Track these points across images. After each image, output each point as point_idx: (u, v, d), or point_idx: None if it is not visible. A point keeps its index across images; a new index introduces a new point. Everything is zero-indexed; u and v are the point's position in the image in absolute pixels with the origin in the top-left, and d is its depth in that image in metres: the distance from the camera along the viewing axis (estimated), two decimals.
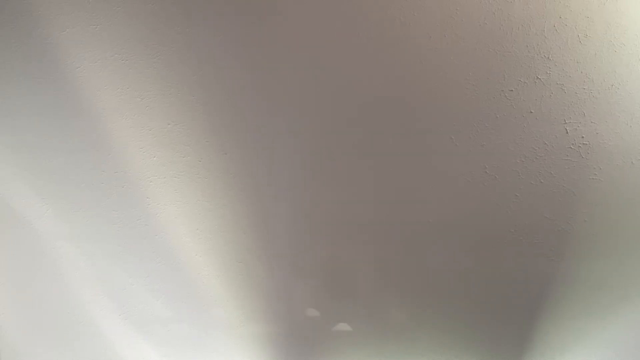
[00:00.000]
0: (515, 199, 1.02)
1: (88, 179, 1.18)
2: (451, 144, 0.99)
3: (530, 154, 0.98)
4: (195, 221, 1.19)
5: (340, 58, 0.96)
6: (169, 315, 1.34)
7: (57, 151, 1.16)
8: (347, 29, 0.94)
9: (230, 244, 1.20)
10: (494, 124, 0.96)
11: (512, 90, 0.93)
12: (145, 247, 1.24)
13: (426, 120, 0.99)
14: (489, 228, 1.06)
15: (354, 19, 0.93)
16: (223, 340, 1.36)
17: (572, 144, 0.96)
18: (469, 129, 0.98)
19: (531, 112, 0.94)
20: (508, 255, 1.09)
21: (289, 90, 1.01)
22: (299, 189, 1.10)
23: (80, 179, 1.19)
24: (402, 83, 0.96)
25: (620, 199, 1.00)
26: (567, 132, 0.95)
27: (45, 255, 1.31)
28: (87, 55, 1.05)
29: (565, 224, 1.03)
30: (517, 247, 1.07)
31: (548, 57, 0.90)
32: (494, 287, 1.13)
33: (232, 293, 1.28)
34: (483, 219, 1.05)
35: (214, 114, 1.06)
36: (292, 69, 0.99)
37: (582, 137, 0.95)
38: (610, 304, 1.12)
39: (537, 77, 0.92)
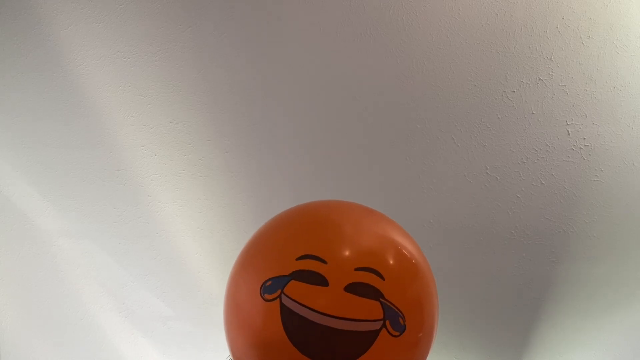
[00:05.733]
0: (516, 200, 1.02)
1: (89, 176, 1.18)
2: (452, 145, 0.99)
3: (531, 155, 0.98)
4: (196, 220, 1.19)
5: (343, 58, 0.96)
6: (169, 314, 1.34)
7: (59, 148, 1.16)
8: (350, 29, 0.94)
9: (231, 242, 1.20)
10: (495, 125, 0.96)
11: (514, 91, 0.93)
12: (146, 245, 1.24)
13: (427, 121, 0.99)
14: (490, 229, 1.06)
15: (357, 20, 0.93)
16: (223, 338, 1.36)
17: (574, 145, 0.96)
18: (470, 130, 0.98)
19: (533, 113, 0.94)
20: (508, 256, 1.09)
21: (291, 89, 1.01)
22: (300, 188, 1.11)
23: (81, 176, 1.19)
24: (404, 83, 0.96)
25: (621, 201, 1.00)
26: (568, 134, 0.95)
27: (46, 252, 1.31)
28: (89, 52, 1.05)
29: (566, 226, 1.03)
30: (518, 248, 1.07)
31: (550, 59, 0.90)
32: (494, 287, 1.13)
33: None
34: (484, 219, 1.05)
35: (216, 112, 1.06)
36: (294, 68, 0.99)
37: (584, 138, 0.95)
38: (610, 305, 1.12)
39: (539, 79, 0.92)
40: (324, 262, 0.42)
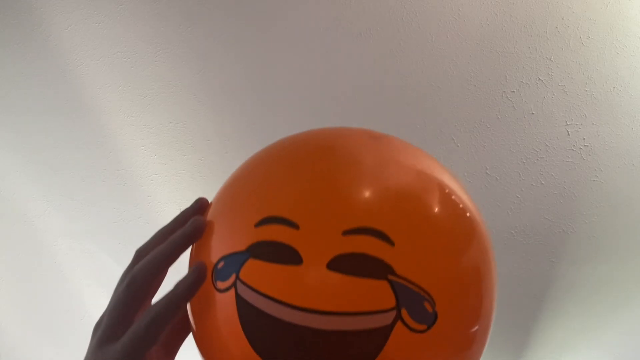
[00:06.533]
0: (516, 200, 1.02)
1: (89, 176, 1.18)
2: (452, 145, 1.00)
3: (531, 155, 0.98)
4: None
5: (342, 58, 0.96)
6: None
7: (58, 149, 1.16)
8: (350, 29, 0.94)
9: None
10: (495, 125, 0.96)
11: (513, 92, 0.93)
12: None
13: (427, 121, 0.99)
14: (490, 229, 1.06)
15: (356, 19, 0.93)
16: None
17: (574, 145, 0.96)
18: (470, 130, 0.98)
19: (533, 113, 0.94)
20: (508, 256, 1.09)
21: (290, 89, 1.01)
22: None
23: (81, 176, 1.19)
24: (404, 83, 0.96)
25: (621, 201, 1.00)
26: (568, 134, 0.95)
27: (46, 252, 1.31)
28: (89, 53, 1.05)
29: (566, 226, 1.03)
30: (518, 248, 1.07)
31: (550, 59, 0.90)
32: None
33: None
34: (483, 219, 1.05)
35: (216, 112, 1.06)
36: (294, 68, 0.99)
37: (584, 138, 0.95)
38: (610, 305, 1.12)
39: (539, 79, 0.92)
40: (293, 226, 0.27)
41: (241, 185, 0.34)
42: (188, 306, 0.35)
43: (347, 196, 0.28)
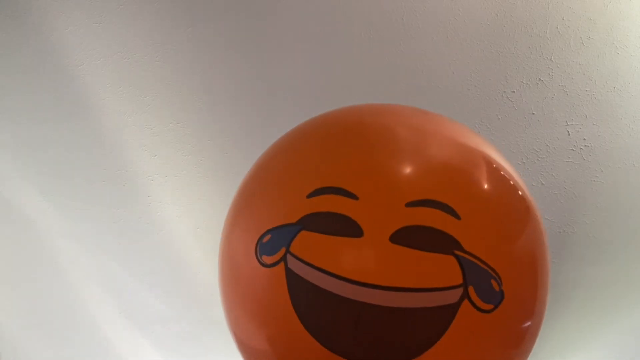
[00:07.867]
0: None
1: (89, 176, 1.18)
2: None
3: (531, 156, 0.98)
4: (196, 220, 1.19)
5: (342, 59, 0.96)
6: (169, 314, 1.34)
7: (58, 149, 1.16)
8: (350, 30, 0.94)
9: None
10: (495, 126, 0.96)
11: (514, 92, 0.93)
12: (146, 245, 1.24)
13: None
14: None
15: (357, 19, 0.93)
16: (223, 339, 1.36)
17: (574, 145, 0.96)
18: None
19: (533, 113, 0.94)
20: None
21: (290, 89, 1.01)
22: None
23: (81, 176, 1.19)
24: (404, 84, 0.96)
25: (621, 201, 1.00)
26: (568, 134, 0.95)
27: (46, 252, 1.31)
28: (89, 53, 1.05)
29: (566, 226, 1.03)
30: None
31: (550, 59, 0.90)
32: None
33: None
34: None
35: (216, 113, 1.06)
36: (294, 68, 0.99)
37: (584, 139, 0.95)
38: (610, 306, 1.12)
39: (540, 79, 0.92)
40: (352, 196, 0.25)
41: (287, 156, 0.33)
42: (225, 283, 0.32)
43: (408, 167, 0.27)
